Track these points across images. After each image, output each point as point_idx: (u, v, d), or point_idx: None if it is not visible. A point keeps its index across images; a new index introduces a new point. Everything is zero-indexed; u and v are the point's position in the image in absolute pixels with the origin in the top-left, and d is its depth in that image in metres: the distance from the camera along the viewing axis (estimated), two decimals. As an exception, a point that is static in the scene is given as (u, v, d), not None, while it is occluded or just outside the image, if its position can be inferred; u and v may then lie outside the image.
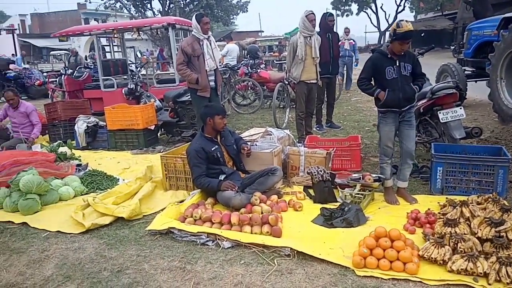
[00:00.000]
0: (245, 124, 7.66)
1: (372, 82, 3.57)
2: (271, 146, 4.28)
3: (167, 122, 6.50)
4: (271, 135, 4.57)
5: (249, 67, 9.74)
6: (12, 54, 20.32)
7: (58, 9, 44.94)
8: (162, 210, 3.72)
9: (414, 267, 2.53)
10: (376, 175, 3.77)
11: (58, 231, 3.42)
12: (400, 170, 3.73)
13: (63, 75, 9.05)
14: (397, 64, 3.42)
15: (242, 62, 10.68)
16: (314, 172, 3.77)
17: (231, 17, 34.65)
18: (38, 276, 2.78)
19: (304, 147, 4.59)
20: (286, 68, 6.05)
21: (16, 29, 34.07)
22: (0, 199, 3.94)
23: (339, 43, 8.82)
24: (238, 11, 34.67)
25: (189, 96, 6.09)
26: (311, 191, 3.90)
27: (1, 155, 4.53)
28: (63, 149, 5.29)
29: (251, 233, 3.13)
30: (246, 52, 17.02)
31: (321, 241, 2.96)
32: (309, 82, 5.67)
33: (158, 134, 6.75)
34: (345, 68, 11.22)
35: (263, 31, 43.82)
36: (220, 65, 6.58)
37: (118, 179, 4.73)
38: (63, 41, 13.59)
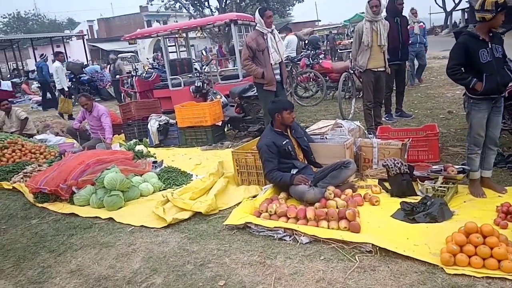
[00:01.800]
0: (309, 116, 7.57)
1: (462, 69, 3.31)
2: (342, 138, 4.19)
3: (234, 118, 6.60)
4: (341, 127, 4.47)
5: (310, 58, 9.60)
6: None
7: (122, 13, 47.33)
8: (236, 205, 3.79)
9: (511, 265, 2.34)
10: (460, 166, 3.54)
11: (142, 226, 3.61)
12: (484, 158, 3.46)
13: (134, 77, 9.55)
14: (489, 46, 3.17)
15: (301, 54, 10.55)
16: (391, 165, 3.62)
17: (287, 9, 34.34)
18: (127, 269, 2.95)
19: (376, 138, 4.44)
20: (351, 56, 5.87)
21: (85, 35, 36.51)
22: (87, 196, 4.24)
23: (408, 27, 8.38)
24: (294, 2, 34.27)
25: (255, 91, 6.14)
26: (387, 185, 3.76)
27: (85, 155, 4.86)
28: (140, 147, 5.57)
29: (328, 228, 3.09)
30: (304, 43, 16.82)
31: (404, 237, 2.84)
32: (376, 70, 5.46)
33: (225, 130, 6.88)
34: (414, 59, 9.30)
35: (320, 20, 43.07)
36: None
37: (192, 175, 4.88)
38: (132, 44, 14.26)
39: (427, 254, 2.60)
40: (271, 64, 5.12)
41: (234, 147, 5.83)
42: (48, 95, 13.63)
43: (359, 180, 4.05)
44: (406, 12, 6.45)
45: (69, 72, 13.66)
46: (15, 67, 28.08)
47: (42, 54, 14.00)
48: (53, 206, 4.30)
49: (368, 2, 5.30)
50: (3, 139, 6.58)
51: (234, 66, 14.67)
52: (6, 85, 19.17)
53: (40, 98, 14.21)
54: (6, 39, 28.63)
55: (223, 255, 2.95)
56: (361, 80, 6.57)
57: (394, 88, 6.58)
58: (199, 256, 2.98)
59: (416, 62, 9.42)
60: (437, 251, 2.58)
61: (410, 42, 8.42)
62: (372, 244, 2.74)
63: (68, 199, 4.32)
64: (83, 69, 14.73)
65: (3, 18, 59.03)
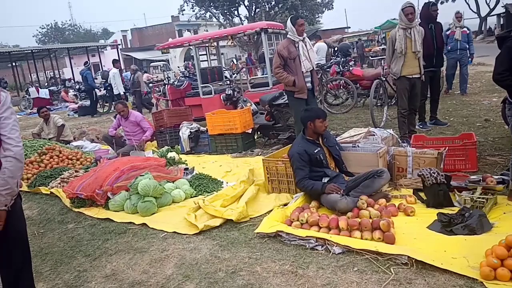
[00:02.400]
0: (339, 124, 7.49)
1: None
2: (375, 147, 4.11)
3: (264, 125, 6.62)
4: (374, 135, 4.39)
5: (340, 65, 9.52)
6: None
7: (155, 23, 48.57)
8: (267, 213, 3.78)
9: (555, 280, 2.23)
10: (499, 176, 3.41)
11: (174, 232, 3.65)
12: None
13: (166, 85, 9.75)
14: None
15: (331, 61, 10.49)
16: (427, 174, 3.53)
17: (316, 16, 34.31)
18: (160, 275, 2.99)
19: (410, 147, 4.33)
20: (385, 63, 5.77)
21: (119, 44, 37.72)
22: (122, 201, 4.34)
23: (449, 32, 8.19)
24: (324, 9, 34.22)
25: (285, 99, 6.15)
26: (422, 195, 3.66)
27: (119, 161, 4.99)
28: (172, 154, 5.68)
29: (362, 238, 3.03)
30: (333, 50, 16.72)
31: (441, 250, 2.75)
32: (411, 77, 5.35)
33: (255, 137, 6.91)
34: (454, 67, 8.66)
35: (349, 27, 42.76)
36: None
37: (222, 182, 4.91)
38: (165, 53, 14.62)
39: (465, 267, 2.51)
40: (302, 72, 5.12)
41: (264, 154, 5.84)
42: (87, 102, 14.16)
43: (392, 189, 3.96)
44: (441, 18, 6.29)
45: (104, 80, 14.12)
46: (52, 75, 29.28)
47: (86, 62, 14.61)
48: (89, 211, 4.43)
49: (402, 9, 5.21)
50: (41, 145, 6.86)
51: (263, 74, 14.78)
52: (44, 93, 20.04)
53: (77, 105, 14.72)
54: (44, 49, 29.97)
55: (254, 263, 2.94)
56: (394, 87, 6.48)
57: (429, 95, 6.43)
58: (230, 263, 2.99)
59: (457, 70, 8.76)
60: (476, 265, 2.49)
61: (449, 48, 8.27)
62: (408, 256, 2.66)
63: (103, 204, 4.44)
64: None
65: (42, 28, 61.93)
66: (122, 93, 11.32)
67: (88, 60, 17.35)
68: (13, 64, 29.45)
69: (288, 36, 5.22)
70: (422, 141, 4.56)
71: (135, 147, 6.27)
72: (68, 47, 30.37)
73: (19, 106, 19.86)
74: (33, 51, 27.68)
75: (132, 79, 12.42)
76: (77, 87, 20.12)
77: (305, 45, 5.17)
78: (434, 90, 6.38)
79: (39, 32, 62.24)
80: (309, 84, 5.24)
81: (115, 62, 11.67)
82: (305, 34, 5.27)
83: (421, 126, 6.23)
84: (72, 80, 25.44)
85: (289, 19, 5.24)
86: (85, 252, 3.54)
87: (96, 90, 13.84)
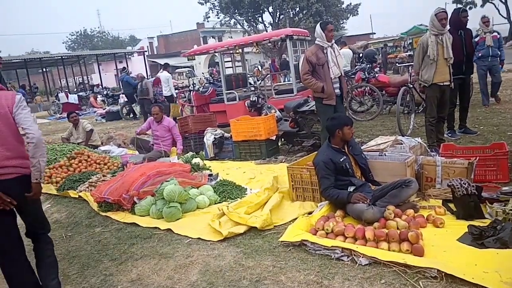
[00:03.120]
0: (364, 131, 7.39)
1: None
2: (403, 155, 4.03)
3: (288, 132, 6.59)
4: (401, 144, 4.31)
5: (365, 72, 9.41)
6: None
7: (180, 30, 49.35)
8: (291, 221, 3.75)
9: None
10: (533, 188, 3.28)
11: (198, 238, 3.67)
12: None
13: (191, 91, 9.87)
14: None
15: (356, 67, 10.38)
16: (457, 185, 3.43)
17: (341, 22, 34.11)
18: (184, 281, 3.00)
19: (439, 156, 4.23)
20: (413, 70, 5.66)
21: (145, 51, 38.49)
22: (147, 206, 4.40)
23: (477, 39, 7.89)
24: (348, 15, 34.02)
25: (310, 106, 6.13)
26: (452, 206, 3.56)
27: (146, 167, 5.06)
28: (196, 160, 5.72)
29: (389, 250, 2.96)
30: (358, 56, 16.55)
31: (472, 263, 2.66)
32: (442, 84, 5.24)
33: (279, 144, 6.89)
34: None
35: (374, 33, 42.30)
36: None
37: (246, 188, 4.91)
38: (191, 60, 14.83)
39: (498, 282, 2.41)
40: (331, 78, 5.09)
41: (288, 161, 5.81)
42: (114, 108, 14.46)
43: (421, 200, 3.87)
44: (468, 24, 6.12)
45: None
46: (81, 81, 30.10)
47: (124, 68, 14.92)
48: (116, 215, 4.50)
49: (436, 15, 5.11)
50: (70, 150, 7.05)
51: (285, 81, 14.79)
52: (73, 98, 20.63)
53: (104, 111, 15.07)
54: (74, 55, 30.90)
55: (279, 272, 2.92)
56: (421, 95, 6.35)
57: (458, 103, 6.27)
58: (254, 272, 2.97)
59: (488, 79, 8.28)
60: (510, 280, 2.40)
61: (480, 55, 7.95)
62: (438, 270, 2.59)
63: (129, 209, 4.51)
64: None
65: (71, 35, 63.90)
66: (174, 95, 11.74)
67: (116, 66, 17.77)
68: (44, 70, 30.48)
69: (316, 42, 5.20)
70: (451, 150, 4.44)
71: (162, 154, 6.34)
72: (97, 53, 31.23)
73: (49, 110, 20.52)
74: (63, 57, 28.59)
75: (140, 86, 12.14)
76: (104, 92, 20.63)
77: (334, 51, 5.15)
78: (463, 97, 6.22)
79: (69, 38, 64.28)
80: (337, 91, 5.20)
81: (166, 66, 12.25)
82: (333, 40, 5.25)
83: (449, 135, 6.08)
84: (100, 86, 26.10)
85: (318, 24, 5.23)
86: (112, 256, 3.60)
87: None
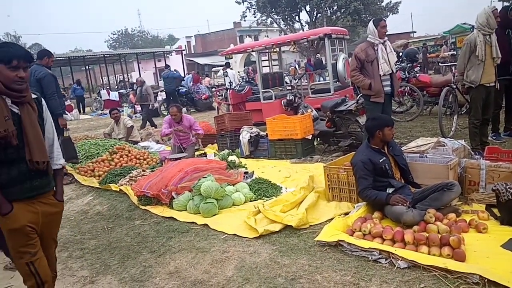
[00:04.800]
0: (403, 132, 7.21)
1: None
2: (445, 158, 3.91)
3: (324, 132, 6.54)
4: (444, 146, 4.18)
5: (405, 71, 9.17)
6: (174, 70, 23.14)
7: (217, 29, 49.90)
8: (328, 221, 3.73)
9: None
10: None
11: (234, 234, 3.71)
12: None
13: (228, 90, 9.98)
14: None
15: (396, 67, 10.11)
16: (502, 189, 3.28)
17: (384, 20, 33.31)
18: (220, 276, 3.05)
19: (483, 159, 4.07)
20: (457, 70, 5.46)
21: (183, 50, 39.20)
22: (185, 201, 4.49)
23: None
24: (388, 13, 33.24)
25: (347, 105, 6.05)
26: (496, 211, 3.42)
27: (184, 163, 5.17)
28: (232, 157, 5.78)
29: (429, 254, 2.89)
30: (398, 55, 16.10)
31: (517, 271, 2.55)
32: (488, 85, 5.03)
33: (315, 144, 6.85)
34: None
35: (415, 32, 41.07)
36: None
37: (281, 187, 4.92)
38: (229, 59, 15.01)
39: (546, 292, 2.31)
40: (380, 75, 5.00)
41: (324, 161, 5.77)
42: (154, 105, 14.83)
43: (463, 204, 3.74)
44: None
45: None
46: (121, 79, 31.05)
47: (167, 66, 15.27)
48: (155, 209, 4.64)
49: (492, 11, 4.92)
50: (112, 145, 7.31)
51: (319, 80, 14.66)
52: (114, 95, 21.33)
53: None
54: (115, 54, 31.90)
55: (314, 271, 2.91)
56: (464, 95, 6.13)
57: (503, 105, 6.00)
58: (290, 270, 2.98)
59: None
60: (558, 289, 2.28)
61: None
62: (480, 276, 2.50)
63: (168, 203, 4.63)
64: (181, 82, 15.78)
65: (113, 34, 66.05)
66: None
67: (155, 64, 18.20)
68: (87, 67, 31.68)
69: (368, 38, 5.12)
70: (496, 154, 4.26)
71: (176, 148, 6.31)
72: (137, 52, 32.10)
73: (91, 107, 21.32)
74: (105, 55, 29.58)
75: (139, 91, 11.75)
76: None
77: (385, 48, 5.05)
78: (510, 99, 5.95)
79: (111, 37, 66.46)
80: (387, 88, 5.09)
81: (228, 66, 13.07)
82: (386, 37, 5.16)
83: (494, 138, 5.83)
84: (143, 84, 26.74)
85: (371, 21, 5.16)
86: (151, 248, 3.71)
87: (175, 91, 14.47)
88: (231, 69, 12.60)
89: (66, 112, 6.74)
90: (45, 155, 2.32)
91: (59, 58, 27.35)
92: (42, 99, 2.46)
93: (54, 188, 2.47)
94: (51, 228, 2.47)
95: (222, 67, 13.30)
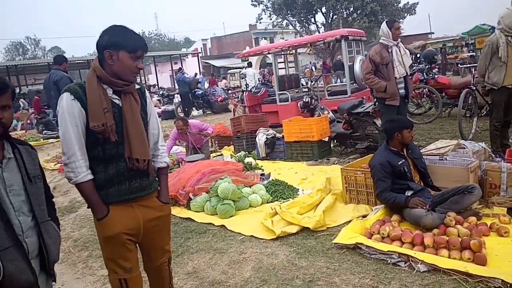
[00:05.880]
0: (422, 135, 7.12)
1: None
2: (465, 160, 3.85)
3: (341, 134, 6.51)
4: (464, 148, 4.11)
5: (424, 73, 9.05)
6: (195, 74, 23.31)
7: (233, 32, 50.13)
8: (345, 223, 3.71)
9: None
10: None
11: (251, 236, 3.73)
12: None
13: (244, 92, 10.02)
14: None
15: (413, 68, 10.00)
16: (525, 193, 3.22)
17: (398, 22, 32.95)
18: (238, 277, 3.06)
19: (505, 162, 3.99)
20: (478, 71, 5.37)
21: (199, 52, 39.50)
22: (202, 202, 4.53)
23: None
24: (405, 15, 32.82)
25: (365, 107, 6.01)
26: (518, 215, 3.35)
27: (201, 164, 5.21)
28: (249, 159, 5.80)
29: (449, 257, 2.85)
30: (415, 56, 15.92)
31: (542, 276, 2.49)
32: (510, 87, 4.93)
33: (331, 146, 6.82)
34: None
35: (433, 33, 40.50)
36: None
37: (298, 189, 4.91)
38: (245, 61, 15.11)
39: None
40: (396, 77, 4.96)
41: (340, 163, 5.74)
42: (170, 107, 14.99)
43: (484, 207, 3.67)
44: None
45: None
46: (138, 81, 31.39)
47: (180, 68, 15.46)
48: (172, 210, 4.65)
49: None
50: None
51: (337, 82, 14.59)
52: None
53: (160, 110, 15.65)
54: (133, 57, 32.22)
55: (332, 274, 2.90)
56: (484, 98, 6.01)
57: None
58: (307, 272, 2.97)
59: None
60: None
61: None
62: (502, 280, 2.46)
63: (185, 204, 4.67)
64: (197, 84, 15.92)
65: (131, 38, 66.92)
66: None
67: (171, 67, 18.39)
68: (105, 70, 32.11)
69: (381, 40, 5.06)
70: (518, 156, 4.18)
71: (190, 149, 6.29)
72: (154, 55, 32.44)
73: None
74: (123, 58, 29.92)
75: None
76: (160, 92, 21.42)
77: (399, 50, 5.00)
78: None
79: (128, 41, 67.23)
80: (402, 91, 5.04)
81: (250, 65, 13.57)
82: (399, 39, 5.11)
83: (516, 140, 5.70)
84: (156, 86, 27.12)
85: (384, 22, 5.10)
86: (169, 248, 3.74)
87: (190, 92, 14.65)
88: (252, 68, 12.79)
89: None
90: (147, 153, 2.05)
91: (78, 61, 27.88)
92: (146, 90, 2.24)
93: (158, 188, 2.20)
94: (156, 235, 2.16)
95: (245, 67, 13.68)
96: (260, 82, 12.49)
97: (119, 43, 1.94)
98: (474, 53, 17.45)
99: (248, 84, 11.40)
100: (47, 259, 1.76)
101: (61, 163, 7.40)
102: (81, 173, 1.94)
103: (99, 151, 1.97)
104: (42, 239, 1.73)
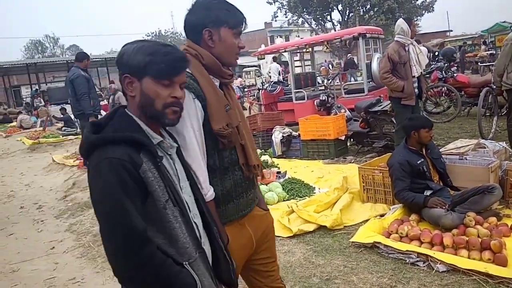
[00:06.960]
0: (440, 134, 7.02)
1: None
2: (486, 160, 3.79)
3: (358, 132, 6.46)
4: (485, 147, 4.05)
5: (443, 71, 8.91)
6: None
7: (248, 30, 49.96)
8: (363, 222, 3.70)
9: None
10: None
11: (268, 234, 3.74)
12: None
13: (260, 90, 10.04)
14: None
15: (432, 66, 9.87)
16: (548, 194, 3.16)
17: (415, 19, 32.51)
18: (255, 273, 3.09)
19: (526, 162, 3.92)
20: (496, 71, 5.28)
21: (215, 51, 39.56)
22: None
23: None
24: (423, 12, 32.37)
25: (382, 106, 5.96)
26: (541, 216, 3.29)
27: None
28: (265, 157, 5.82)
29: (469, 258, 2.82)
30: (433, 54, 15.69)
31: None
32: None
33: (348, 144, 6.78)
34: None
35: (451, 31, 39.82)
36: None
37: (314, 187, 4.91)
38: (261, 59, 15.14)
39: None
40: (413, 76, 4.90)
41: (357, 162, 5.71)
42: None
43: (504, 208, 3.62)
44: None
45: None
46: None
47: None
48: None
49: None
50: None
51: (350, 80, 14.49)
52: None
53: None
54: (149, 55, 32.51)
55: (350, 272, 2.90)
56: (505, 97, 5.91)
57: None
58: (325, 270, 2.98)
59: None
60: None
61: None
62: (524, 282, 2.43)
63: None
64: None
65: (147, 36, 67.53)
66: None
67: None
68: (122, 68, 32.51)
69: (397, 39, 4.93)
70: (540, 157, 4.10)
71: None
72: (170, 53, 32.64)
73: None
74: (140, 57, 30.23)
75: (112, 100, 10.87)
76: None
77: (415, 48, 4.94)
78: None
79: (145, 39, 67.97)
80: (416, 90, 5.00)
81: (275, 59, 13.74)
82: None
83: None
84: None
85: (402, 20, 4.97)
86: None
87: None
88: (277, 63, 13.02)
89: (102, 112, 6.98)
90: (258, 157, 1.74)
91: (96, 59, 28.25)
92: None
93: None
94: (265, 248, 1.79)
95: (270, 61, 14.36)
96: (277, 80, 12.49)
97: (220, 18, 1.54)
98: (494, 51, 17.12)
99: (264, 82, 11.42)
100: (231, 268, 1.46)
101: (80, 159, 7.53)
102: (209, 189, 1.55)
103: (215, 160, 1.58)
104: (217, 245, 1.43)
